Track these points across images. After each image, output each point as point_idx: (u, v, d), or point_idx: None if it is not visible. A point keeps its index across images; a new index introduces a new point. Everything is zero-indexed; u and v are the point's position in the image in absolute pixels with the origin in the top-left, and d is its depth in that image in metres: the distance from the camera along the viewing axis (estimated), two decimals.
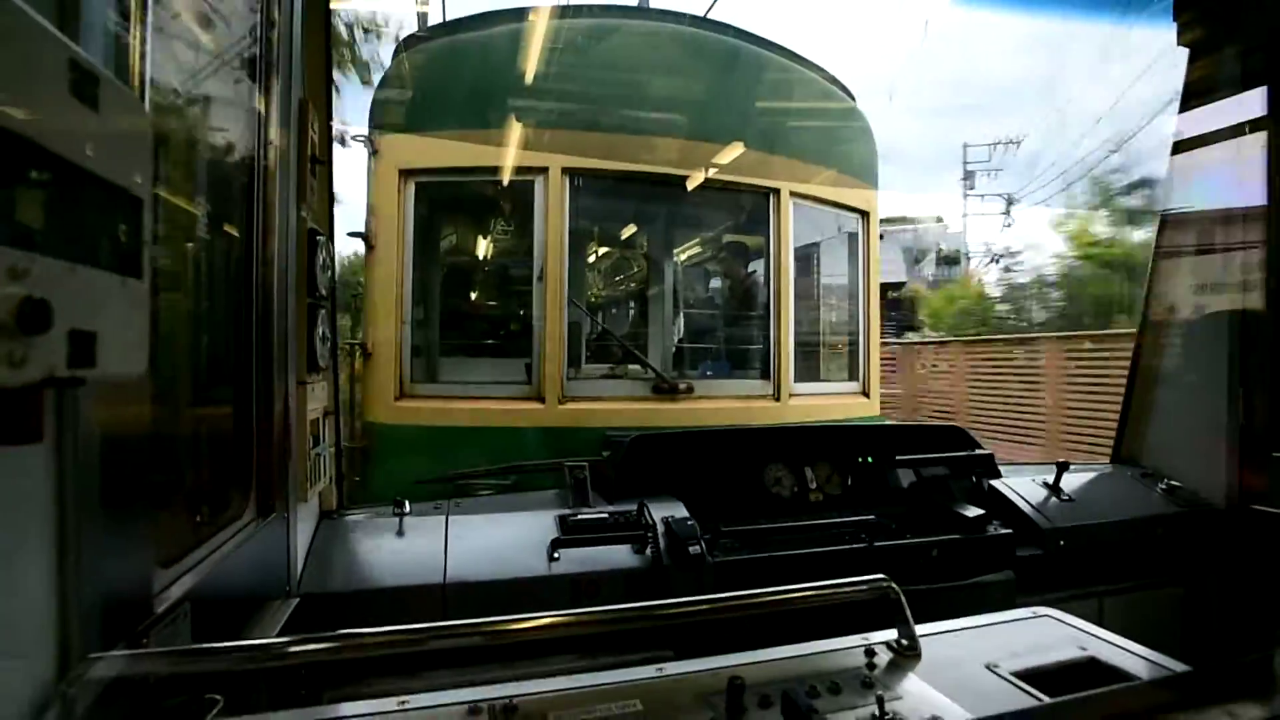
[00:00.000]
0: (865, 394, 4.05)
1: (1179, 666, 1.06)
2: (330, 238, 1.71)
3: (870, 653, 1.09)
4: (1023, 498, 2.13)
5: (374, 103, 3.62)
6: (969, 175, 25.08)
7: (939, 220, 26.57)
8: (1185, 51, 2.30)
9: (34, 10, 0.51)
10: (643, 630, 1.24)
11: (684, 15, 3.78)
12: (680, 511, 1.81)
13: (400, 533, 1.70)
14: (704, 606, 1.06)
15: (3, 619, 0.58)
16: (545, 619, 0.96)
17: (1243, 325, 2.19)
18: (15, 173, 0.50)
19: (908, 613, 1.12)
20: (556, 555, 1.62)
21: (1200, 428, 2.30)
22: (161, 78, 0.90)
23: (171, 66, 1.01)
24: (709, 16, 3.85)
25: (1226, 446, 2.22)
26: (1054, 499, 2.16)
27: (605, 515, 1.77)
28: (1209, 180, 2.30)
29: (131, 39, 0.79)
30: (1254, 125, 2.11)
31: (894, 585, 1.13)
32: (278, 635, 1.20)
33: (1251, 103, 2.11)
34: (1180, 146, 2.36)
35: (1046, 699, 0.97)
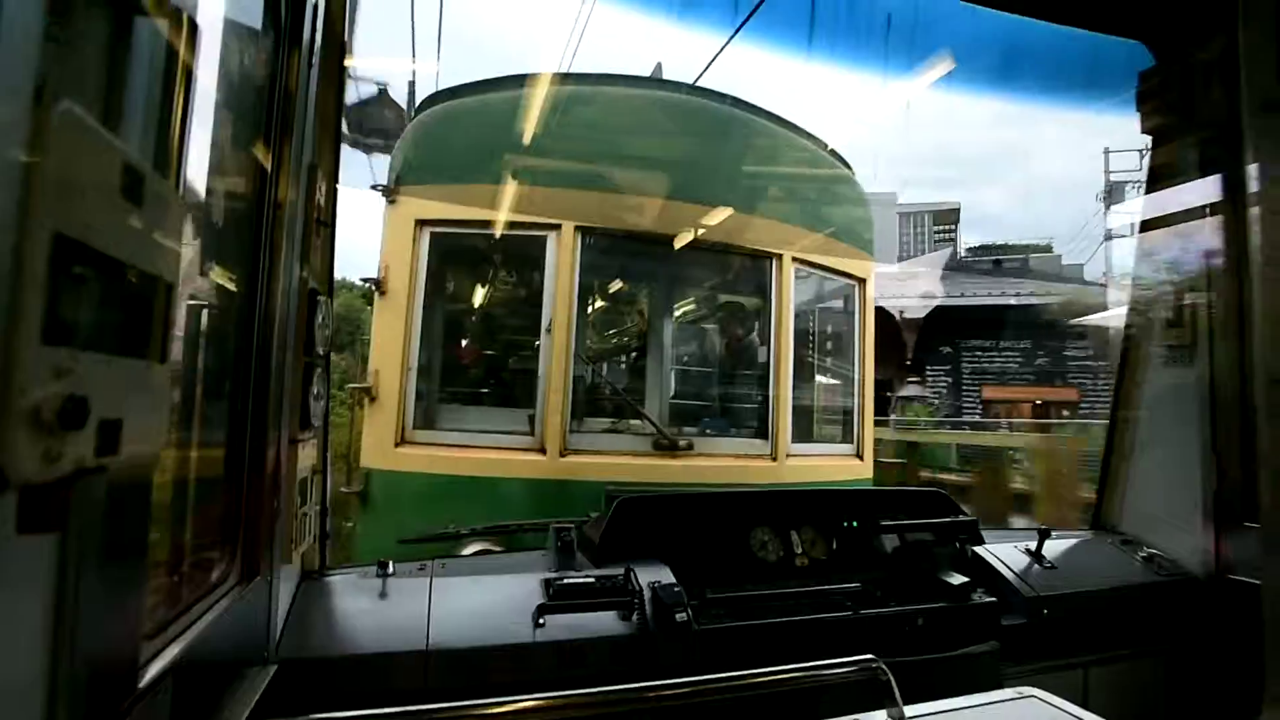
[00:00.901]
0: (859, 456, 4.07)
1: None
2: (330, 296, 1.74)
3: None
4: (1006, 564, 2.13)
5: (394, 155, 3.76)
6: (1112, 190, 20.85)
7: (1048, 250, 24.05)
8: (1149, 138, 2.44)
9: (90, 113, 0.55)
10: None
11: (694, 88, 3.95)
12: (667, 576, 1.80)
13: (383, 594, 1.67)
14: (692, 689, 1.06)
15: None
16: (530, 701, 0.97)
17: (1212, 395, 2.23)
18: (71, 275, 0.52)
19: (897, 695, 1.12)
20: (542, 621, 1.60)
21: (1176, 496, 2.32)
22: (191, 154, 0.94)
23: (196, 139, 1.06)
24: (715, 89, 4.01)
25: (1201, 515, 2.24)
26: (1036, 566, 2.16)
27: (591, 580, 1.75)
28: (1176, 257, 2.38)
29: (173, 122, 0.81)
30: (1213, 208, 2.20)
31: (883, 666, 1.14)
32: (255, 706, 1.18)
33: (1209, 187, 2.21)
34: (1146, 225, 2.46)
35: None
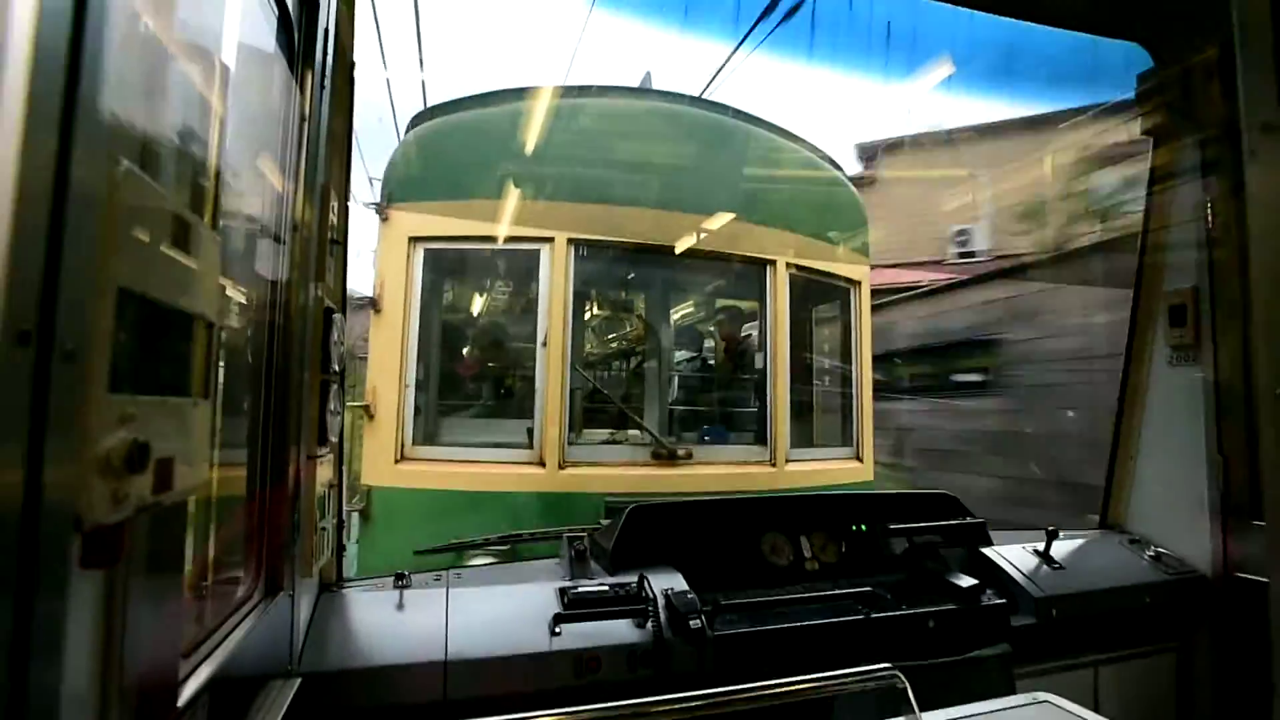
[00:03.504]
0: (859, 459, 4.10)
1: None
2: (344, 314, 1.76)
3: None
4: (1014, 565, 2.15)
5: (387, 172, 3.76)
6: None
7: None
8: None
9: (139, 165, 0.57)
10: None
11: (684, 96, 3.98)
12: (680, 583, 1.82)
13: (401, 606, 1.68)
14: (708, 701, 1.07)
15: (43, 715, 0.58)
16: (549, 716, 0.98)
17: (1217, 396, 2.26)
18: (130, 324, 0.55)
19: (914, 703, 1.14)
20: (558, 630, 1.62)
21: (1184, 495, 2.35)
22: (222, 187, 0.95)
23: (223, 170, 1.07)
24: (706, 97, 4.05)
25: (1209, 514, 2.26)
26: (1045, 566, 2.18)
27: (605, 588, 1.77)
28: (1177, 256, 2.42)
29: (208, 161, 0.84)
30: (1215, 210, 2.24)
31: (900, 675, 1.15)
32: (283, 718, 1.20)
33: (1211, 188, 2.26)
34: (1149, 224, 2.50)
35: None
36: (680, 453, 3.54)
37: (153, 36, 0.66)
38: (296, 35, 1.39)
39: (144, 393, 0.56)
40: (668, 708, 1.06)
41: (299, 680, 1.37)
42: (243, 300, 1.32)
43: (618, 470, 3.45)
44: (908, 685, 1.14)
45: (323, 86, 1.54)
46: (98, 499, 0.51)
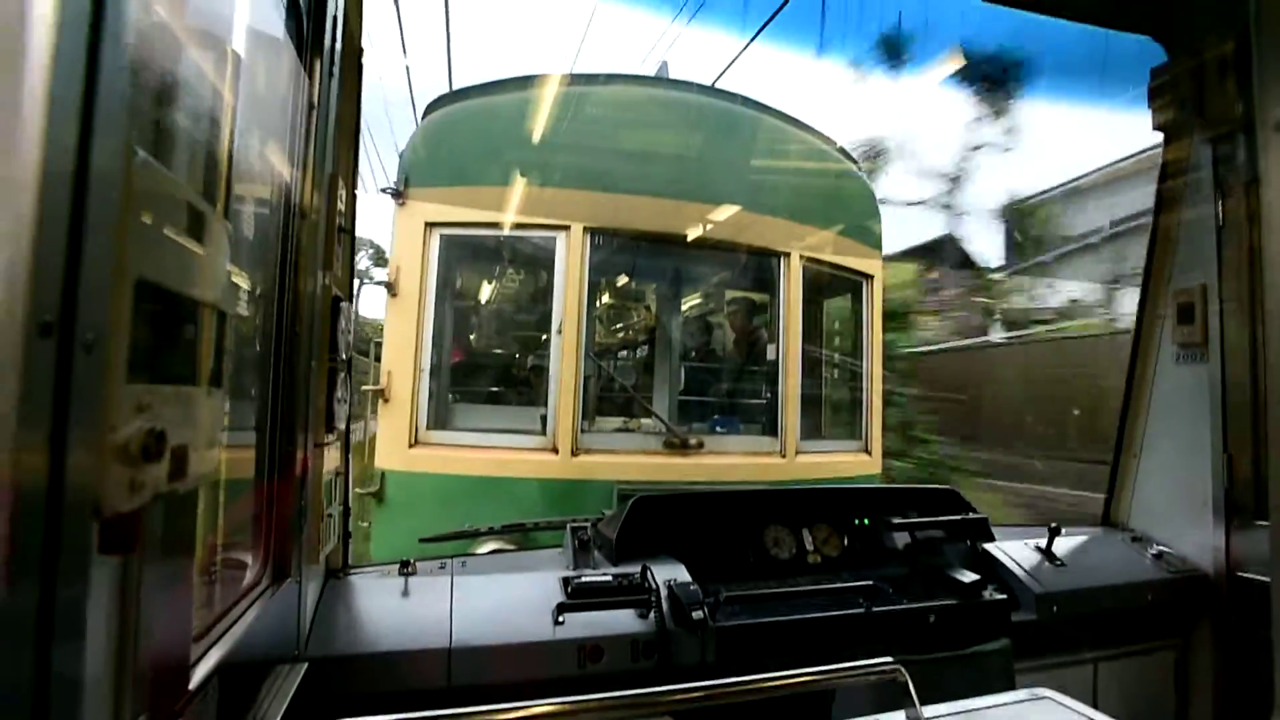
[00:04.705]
0: (867, 452, 4.09)
1: None
2: (351, 301, 1.77)
3: None
4: (1016, 562, 2.14)
5: (403, 159, 3.78)
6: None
7: None
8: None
9: (155, 156, 0.57)
10: None
11: (699, 86, 3.96)
12: (682, 574, 1.83)
13: (406, 593, 1.70)
14: (711, 692, 1.08)
15: (63, 696, 0.58)
16: (550, 706, 0.99)
17: (1224, 392, 2.23)
18: (146, 313, 0.56)
19: (915, 697, 1.14)
20: (561, 619, 1.63)
21: (1187, 494, 2.33)
22: (232, 175, 0.95)
23: (237, 160, 1.07)
24: (721, 88, 4.02)
25: (1212, 513, 2.24)
26: (1046, 563, 2.17)
27: (609, 578, 1.78)
28: (1188, 250, 2.38)
29: (218, 150, 0.83)
30: (1226, 207, 2.20)
31: (902, 669, 1.16)
32: (289, 704, 1.22)
33: (1222, 184, 2.21)
34: (1158, 221, 2.46)
35: None
36: (692, 442, 3.55)
37: (166, 25, 0.67)
38: (305, 23, 1.39)
39: (159, 382, 0.57)
40: (669, 698, 1.07)
41: (305, 665, 1.39)
42: (251, 289, 1.32)
43: (630, 458, 3.47)
44: (909, 679, 1.15)
45: (331, 74, 1.54)
46: (116, 487, 0.52)
